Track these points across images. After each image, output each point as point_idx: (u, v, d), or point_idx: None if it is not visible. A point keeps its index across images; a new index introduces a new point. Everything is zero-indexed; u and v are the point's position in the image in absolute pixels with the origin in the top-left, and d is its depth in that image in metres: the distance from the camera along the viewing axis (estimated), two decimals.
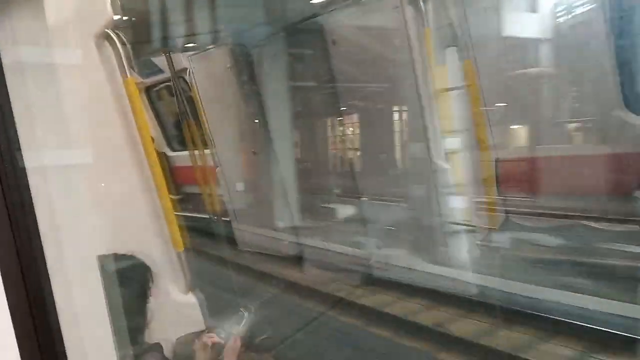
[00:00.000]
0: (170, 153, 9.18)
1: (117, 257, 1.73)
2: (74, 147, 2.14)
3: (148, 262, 1.96)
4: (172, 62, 5.09)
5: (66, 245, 1.61)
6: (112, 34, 2.35)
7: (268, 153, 6.25)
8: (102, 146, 2.30)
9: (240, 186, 6.76)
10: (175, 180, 9.01)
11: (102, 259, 1.56)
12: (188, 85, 6.88)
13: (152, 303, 1.86)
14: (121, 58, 2.39)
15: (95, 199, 2.19)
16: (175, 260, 2.65)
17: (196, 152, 5.18)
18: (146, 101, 9.20)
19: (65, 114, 1.74)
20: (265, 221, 6.54)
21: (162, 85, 9.00)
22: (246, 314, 5.01)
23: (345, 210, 5.85)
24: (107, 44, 2.40)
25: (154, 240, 2.52)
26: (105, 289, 1.50)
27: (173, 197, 8.59)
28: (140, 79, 8.46)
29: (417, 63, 4.24)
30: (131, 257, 1.83)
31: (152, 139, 9.23)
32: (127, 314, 1.66)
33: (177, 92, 5.36)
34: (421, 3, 4.00)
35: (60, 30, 1.90)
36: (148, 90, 9.16)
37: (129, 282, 1.74)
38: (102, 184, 2.25)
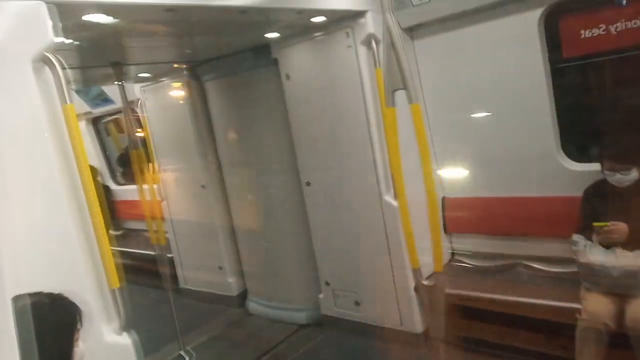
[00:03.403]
0: (114, 187, 8.89)
1: (37, 296, 1.57)
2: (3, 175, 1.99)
3: (78, 302, 1.80)
4: (124, 91, 4.92)
5: None
6: (51, 57, 2.24)
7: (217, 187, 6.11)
8: (33, 175, 2.16)
9: (185, 220, 6.53)
10: (118, 215, 8.68)
11: (17, 300, 1.40)
12: (139, 116, 6.70)
13: (81, 347, 1.70)
14: (60, 83, 2.28)
15: (21, 233, 2.04)
16: (110, 298, 2.49)
17: (144, 186, 4.98)
18: (93, 132, 8.90)
19: None
20: (210, 259, 6.35)
21: (111, 117, 8.76)
22: (187, 358, 4.76)
23: None
24: (46, 68, 2.30)
25: (86, 278, 2.36)
26: (19, 335, 1.34)
27: (114, 232, 8.24)
28: (89, 109, 8.20)
29: (368, 102, 4.31)
30: (56, 296, 1.68)
31: (97, 171, 8.80)
32: None
33: (128, 123, 5.18)
34: (374, 44, 4.09)
35: None
36: (96, 121, 8.89)
37: (51, 325, 1.58)
38: (31, 218, 2.11)
